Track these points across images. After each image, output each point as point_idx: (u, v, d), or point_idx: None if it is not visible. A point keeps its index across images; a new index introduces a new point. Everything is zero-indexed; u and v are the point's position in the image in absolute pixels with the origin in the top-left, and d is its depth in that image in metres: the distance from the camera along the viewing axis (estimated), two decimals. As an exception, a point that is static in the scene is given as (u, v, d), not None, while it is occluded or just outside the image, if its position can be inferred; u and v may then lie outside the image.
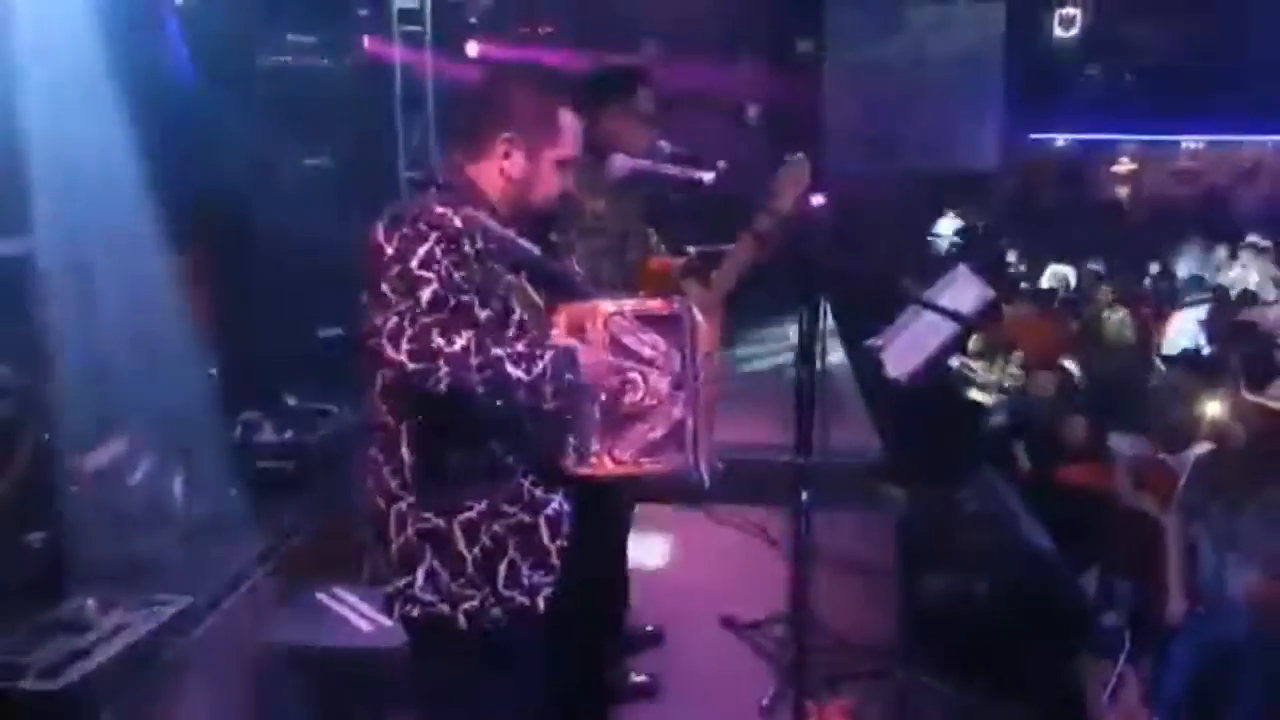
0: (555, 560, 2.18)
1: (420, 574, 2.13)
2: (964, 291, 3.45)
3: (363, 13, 5.74)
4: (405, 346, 1.94)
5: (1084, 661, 3.50)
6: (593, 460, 2.12)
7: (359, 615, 3.50)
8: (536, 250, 2.19)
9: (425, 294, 1.97)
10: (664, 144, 3.28)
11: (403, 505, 2.13)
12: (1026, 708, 3.56)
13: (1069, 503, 5.17)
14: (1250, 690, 3.44)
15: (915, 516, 3.53)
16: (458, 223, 2.03)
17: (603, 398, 2.11)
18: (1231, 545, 3.50)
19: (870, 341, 3.58)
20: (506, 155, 2.17)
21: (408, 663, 2.33)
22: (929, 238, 9.25)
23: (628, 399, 2.13)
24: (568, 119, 2.22)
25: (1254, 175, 12.97)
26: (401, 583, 2.15)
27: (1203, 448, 4.28)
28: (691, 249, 3.35)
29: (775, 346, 7.22)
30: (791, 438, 3.22)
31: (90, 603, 2.96)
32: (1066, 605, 4.02)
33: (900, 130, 10.53)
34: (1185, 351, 6.24)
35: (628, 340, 2.13)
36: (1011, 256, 9.94)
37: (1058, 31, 11.77)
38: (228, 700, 3.36)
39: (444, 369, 1.94)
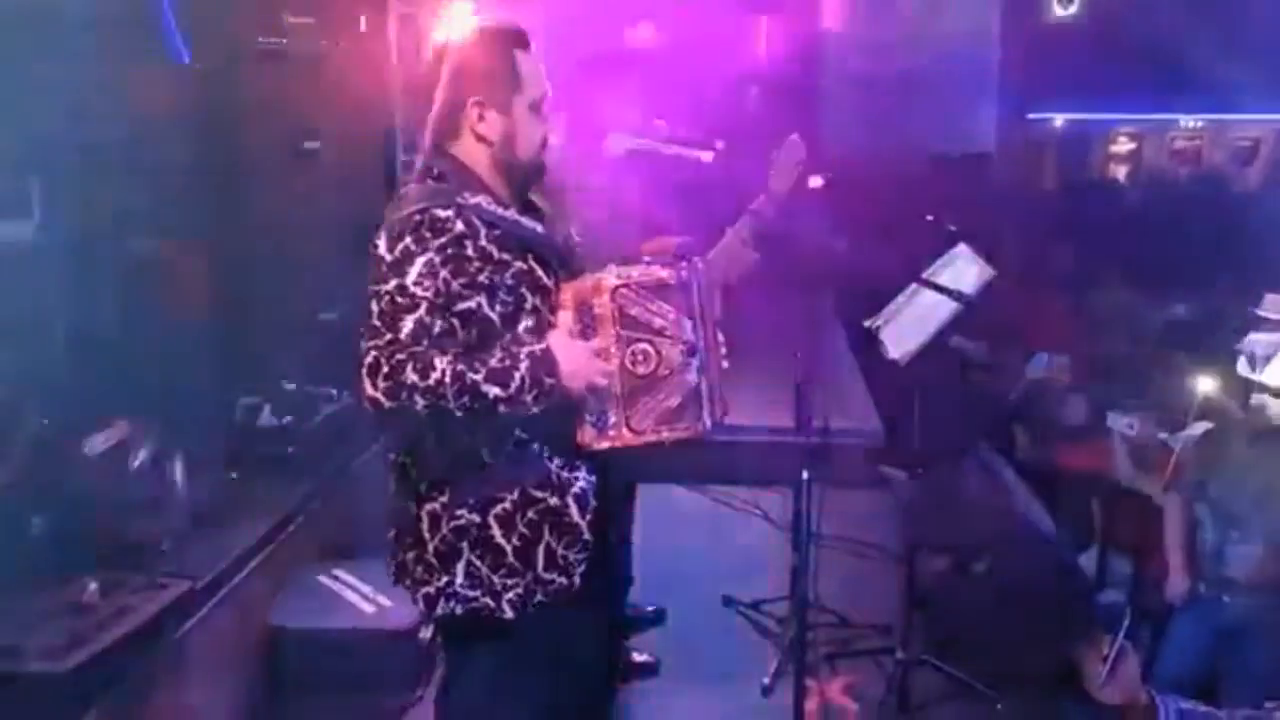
0: (587, 535, 2.20)
1: (460, 571, 2.14)
2: (964, 271, 3.44)
3: (359, -6, 5.70)
4: (381, 384, 1.96)
5: (1083, 639, 3.52)
6: (611, 433, 2.14)
7: (360, 597, 3.52)
8: (539, 227, 2.18)
9: (408, 323, 1.98)
10: (661, 123, 3.27)
11: (435, 505, 2.14)
12: (1025, 685, 3.58)
13: (1068, 483, 5.19)
14: (1251, 667, 3.46)
15: (916, 496, 3.53)
16: (460, 226, 2.03)
17: (602, 382, 2.11)
18: (1232, 523, 3.50)
19: (869, 322, 3.57)
20: (480, 118, 2.16)
21: (444, 656, 2.35)
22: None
23: (640, 370, 2.14)
24: (525, 60, 2.19)
25: (1253, 154, 12.93)
26: (442, 582, 2.16)
27: (1200, 427, 4.28)
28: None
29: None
30: (793, 418, 3.23)
31: (92, 586, 2.96)
32: (1065, 584, 4.03)
33: (898, 111, 10.47)
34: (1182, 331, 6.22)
35: (636, 312, 2.13)
36: (1010, 237, 9.89)
37: (1056, 10, 11.72)
38: (230, 682, 3.37)
39: (420, 402, 1.96)
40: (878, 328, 3.50)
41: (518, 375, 2.00)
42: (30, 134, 3.42)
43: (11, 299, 3.16)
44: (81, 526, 3.19)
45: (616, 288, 2.12)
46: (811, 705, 3.25)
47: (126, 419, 3.38)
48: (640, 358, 2.13)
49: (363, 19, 5.63)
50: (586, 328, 2.11)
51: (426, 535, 2.15)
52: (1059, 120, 13.00)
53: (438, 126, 2.20)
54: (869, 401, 5.75)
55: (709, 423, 2.20)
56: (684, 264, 2.17)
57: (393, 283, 2.00)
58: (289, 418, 4.11)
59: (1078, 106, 12.57)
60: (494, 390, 1.99)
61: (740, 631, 4.07)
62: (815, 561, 3.18)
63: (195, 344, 4.13)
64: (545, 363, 2.03)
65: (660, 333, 2.15)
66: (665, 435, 2.17)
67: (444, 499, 2.13)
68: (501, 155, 2.18)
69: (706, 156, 2.68)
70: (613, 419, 2.13)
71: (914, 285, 3.44)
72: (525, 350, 2.04)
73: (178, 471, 3.43)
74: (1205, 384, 4.39)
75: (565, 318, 2.12)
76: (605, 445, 2.15)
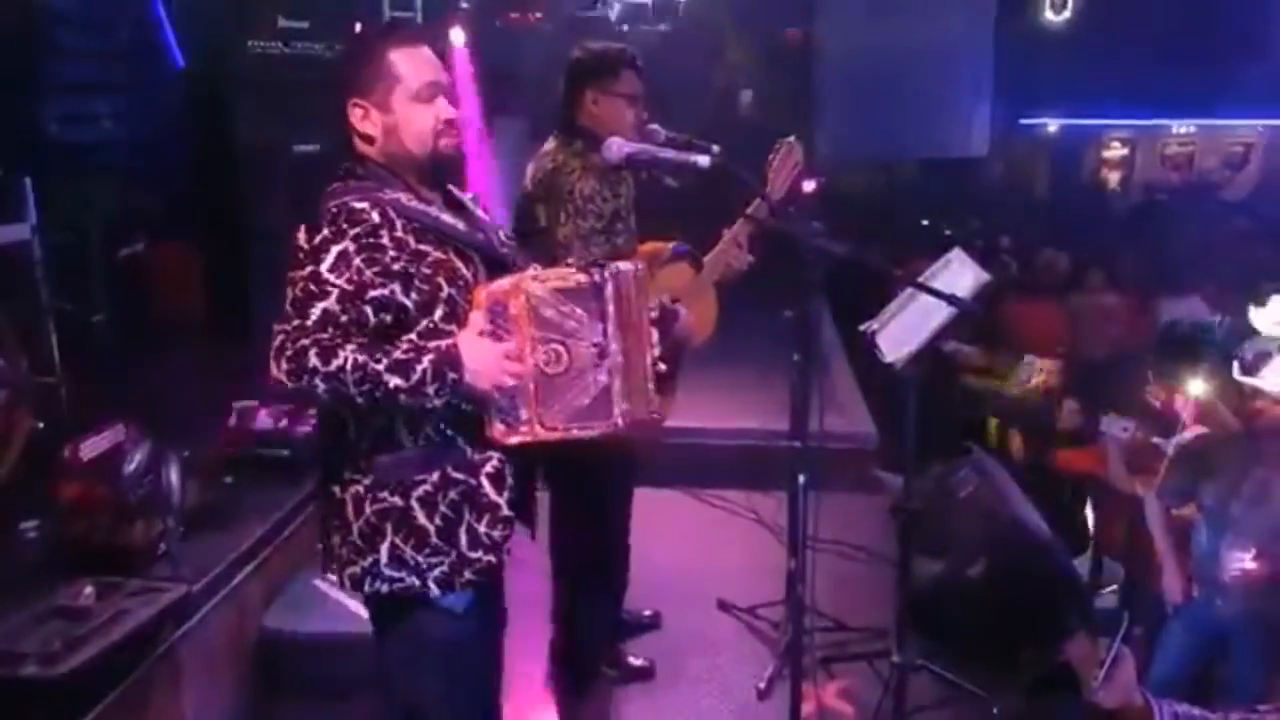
0: (507, 511, 2.26)
1: (384, 552, 2.20)
2: (960, 276, 3.45)
3: (353, -3, 5.70)
4: (284, 366, 2.03)
5: (1078, 642, 3.53)
6: (523, 429, 2.21)
7: (356, 601, 3.51)
8: (460, 224, 2.25)
9: (317, 310, 2.06)
10: (657, 128, 3.27)
11: (359, 488, 2.20)
12: (1021, 689, 3.58)
13: (1064, 486, 5.20)
14: (1245, 670, 3.47)
15: (911, 500, 3.53)
16: (375, 217, 2.11)
17: (509, 382, 2.16)
18: (1226, 528, 3.51)
19: (864, 326, 3.57)
20: (364, 118, 2.23)
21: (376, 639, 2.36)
22: None
23: (552, 370, 2.21)
24: (402, 55, 2.23)
25: (1245, 159, 12.99)
26: (366, 562, 2.21)
27: (1193, 432, 4.29)
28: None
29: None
30: (788, 422, 3.23)
31: (88, 590, 2.96)
32: (1061, 587, 4.03)
33: (891, 116, 10.49)
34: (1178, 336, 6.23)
35: (548, 314, 2.21)
36: (1004, 242, 9.91)
37: (1048, 15, 11.76)
38: (226, 686, 3.37)
39: (321, 387, 2.02)
40: (873, 332, 3.51)
41: (419, 368, 2.06)
42: (24, 136, 3.43)
43: (8, 302, 3.16)
44: (77, 530, 3.19)
45: (530, 292, 2.19)
46: (808, 709, 3.24)
47: (122, 422, 3.37)
48: (553, 357, 2.21)
49: (357, 25, 5.63)
50: (499, 328, 2.17)
51: (351, 517, 2.21)
52: (1052, 125, 13.06)
53: (341, 132, 2.28)
54: (864, 405, 5.76)
55: (620, 421, 2.25)
56: (599, 271, 2.23)
57: (308, 269, 2.09)
58: (285, 421, 4.11)
59: (1071, 112, 12.63)
60: (395, 380, 2.05)
61: (736, 635, 4.07)
62: (811, 565, 3.16)
63: (191, 346, 4.14)
64: (449, 359, 2.09)
65: (572, 334, 2.22)
66: (575, 433, 2.24)
67: (366, 481, 2.19)
68: (392, 149, 2.24)
69: (704, 161, 2.68)
70: (525, 415, 2.20)
71: (909, 289, 3.44)
72: (432, 345, 2.10)
73: (173, 475, 3.43)
74: (1199, 388, 4.40)
75: (476, 317, 2.17)
76: (516, 440, 2.21)
